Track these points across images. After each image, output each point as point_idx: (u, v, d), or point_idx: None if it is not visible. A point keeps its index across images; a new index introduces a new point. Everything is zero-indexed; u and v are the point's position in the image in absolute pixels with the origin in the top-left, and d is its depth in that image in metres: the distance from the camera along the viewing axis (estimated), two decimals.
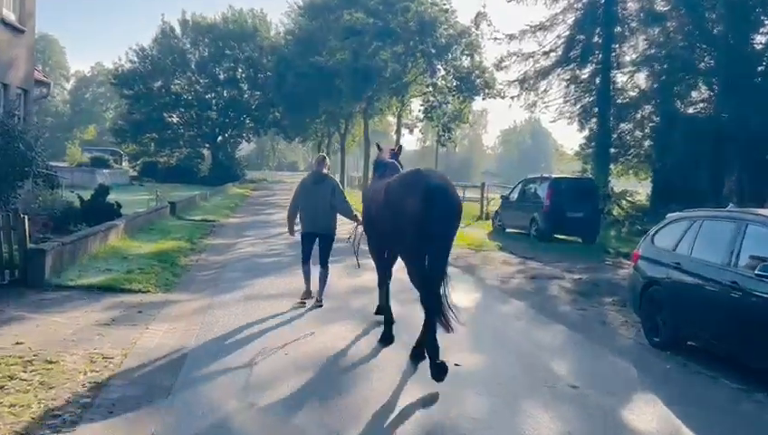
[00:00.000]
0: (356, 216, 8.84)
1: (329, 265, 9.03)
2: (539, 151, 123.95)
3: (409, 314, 8.15)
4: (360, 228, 8.41)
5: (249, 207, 31.90)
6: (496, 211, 22.93)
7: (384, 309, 7.63)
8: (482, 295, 10.46)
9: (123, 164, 63.14)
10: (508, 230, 21.33)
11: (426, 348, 6.08)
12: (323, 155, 9.65)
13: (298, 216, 9.06)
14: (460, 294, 10.12)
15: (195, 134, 62.17)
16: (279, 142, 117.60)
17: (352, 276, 11.16)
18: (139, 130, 57.16)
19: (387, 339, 7.24)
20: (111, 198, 17.54)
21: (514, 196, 21.56)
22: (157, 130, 58.35)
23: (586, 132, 26.29)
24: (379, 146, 8.88)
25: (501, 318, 8.84)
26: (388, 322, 7.43)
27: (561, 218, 18.41)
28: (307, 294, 9.08)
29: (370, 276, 10.81)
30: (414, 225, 5.97)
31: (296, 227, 9.24)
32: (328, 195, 8.84)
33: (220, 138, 64.51)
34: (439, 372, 5.78)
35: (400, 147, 8.90)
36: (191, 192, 33.05)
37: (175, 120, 62.74)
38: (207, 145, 63.69)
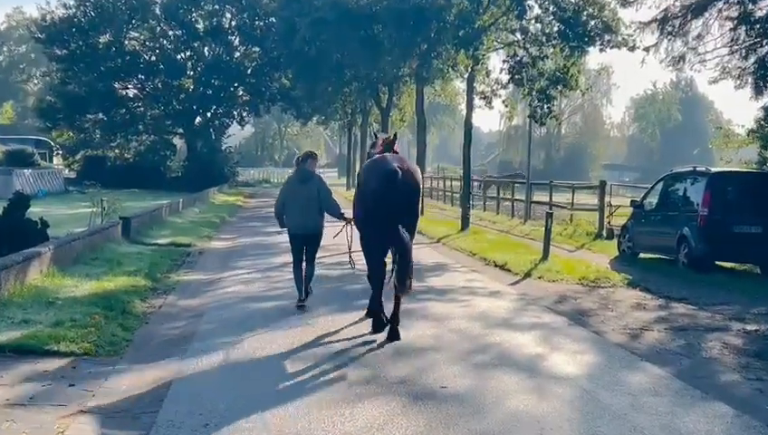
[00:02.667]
0: (343, 214, 12.66)
1: (315, 262, 13.11)
2: (692, 131, 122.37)
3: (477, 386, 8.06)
4: (349, 227, 12.32)
5: (242, 223, 32.27)
6: (624, 226, 22.67)
7: (375, 311, 11.09)
8: (598, 358, 10.29)
9: (55, 160, 64.81)
10: (642, 255, 21.04)
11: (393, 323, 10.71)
12: (311, 151, 13.82)
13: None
14: (563, 356, 10.04)
15: (161, 114, 63.27)
16: (289, 124, 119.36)
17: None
18: (79, 109, 58.19)
19: (378, 327, 10.93)
20: (35, 212, 17.95)
21: (652, 201, 21.27)
22: (104, 108, 59.42)
23: (765, 99, 25.76)
24: (375, 135, 13.05)
25: (628, 394, 8.67)
26: (377, 314, 11.02)
27: (727, 235, 18.07)
28: (301, 299, 12.87)
29: (419, 332, 11.20)
30: (365, 201, 10.82)
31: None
32: (314, 193, 12.62)
33: (199, 119, 65.47)
34: (392, 337, 10.50)
35: (395, 135, 12.46)
36: (155, 202, 33.59)
37: (131, 92, 63.90)
38: (180, 130, 64.74)
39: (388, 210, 10.29)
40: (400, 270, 10.32)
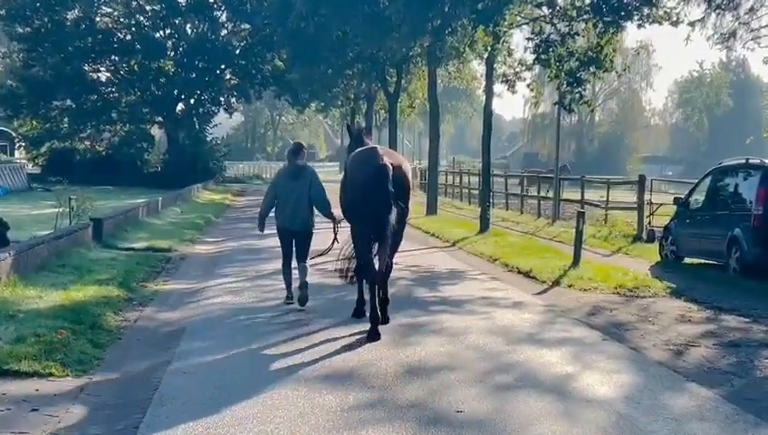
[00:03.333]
0: (332, 214, 14.08)
1: (307, 260, 14.09)
2: (744, 118, 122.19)
3: None
4: (339, 227, 14.05)
5: (229, 224, 32.35)
6: (666, 227, 22.63)
7: (359, 302, 13.32)
8: (637, 378, 10.27)
9: (16, 154, 64.86)
10: (687, 260, 20.99)
11: (375, 313, 11.95)
12: (300, 143, 15.44)
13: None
14: (597, 376, 10.03)
15: (137, 100, 63.20)
16: (284, 112, 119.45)
17: (402, 346, 11.27)
18: (44, 95, 58.11)
19: (359, 313, 13.20)
20: None
21: (699, 199, 21.21)
22: (73, 94, 59.32)
23: None
24: (349, 127, 15.64)
25: (671, 419, 8.65)
26: (361, 302, 13.30)
27: None
28: (289, 299, 14.20)
29: (432, 348, 11.30)
30: (354, 193, 12.48)
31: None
32: (306, 188, 13.91)
33: (181, 106, 65.39)
34: (373, 336, 11.65)
35: (364, 128, 15.21)
36: (131, 201, 33.64)
37: (103, 76, 63.86)
38: (159, 119, 64.71)
39: (376, 206, 11.94)
40: (380, 262, 12.23)
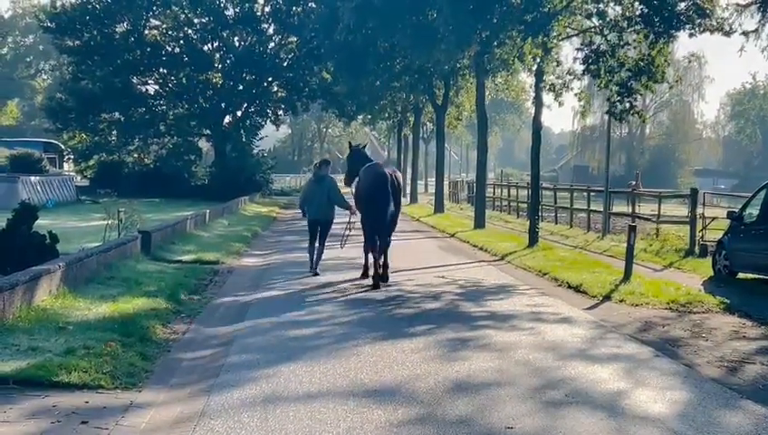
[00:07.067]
0: (350, 206, 19.78)
1: (325, 244, 20.21)
2: None
3: None
4: (353, 218, 19.78)
5: (277, 237, 32.48)
6: (720, 241, 22.39)
7: (365, 267, 19.16)
8: (690, 395, 10.16)
9: (65, 166, 65.63)
10: (741, 275, 20.76)
11: (377, 274, 18.29)
12: (327, 159, 24.51)
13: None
14: (649, 392, 9.95)
15: (185, 113, 63.68)
16: (330, 124, 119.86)
17: (449, 361, 11.27)
18: (92, 108, 58.71)
19: (365, 275, 19.04)
20: (43, 224, 18.17)
21: (753, 212, 20.98)
22: (121, 107, 59.84)
23: None
24: (350, 144, 22.52)
25: None
26: (366, 268, 19.11)
27: None
28: (312, 268, 19.96)
29: (480, 364, 11.31)
30: (365, 193, 18.82)
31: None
32: (327, 190, 19.92)
33: (228, 119, 65.77)
34: (375, 286, 18.01)
35: (365, 145, 25.58)
36: (179, 213, 33.84)
37: (151, 88, 64.39)
38: (207, 132, 65.13)
39: (380, 201, 18.12)
40: (381, 242, 18.38)
